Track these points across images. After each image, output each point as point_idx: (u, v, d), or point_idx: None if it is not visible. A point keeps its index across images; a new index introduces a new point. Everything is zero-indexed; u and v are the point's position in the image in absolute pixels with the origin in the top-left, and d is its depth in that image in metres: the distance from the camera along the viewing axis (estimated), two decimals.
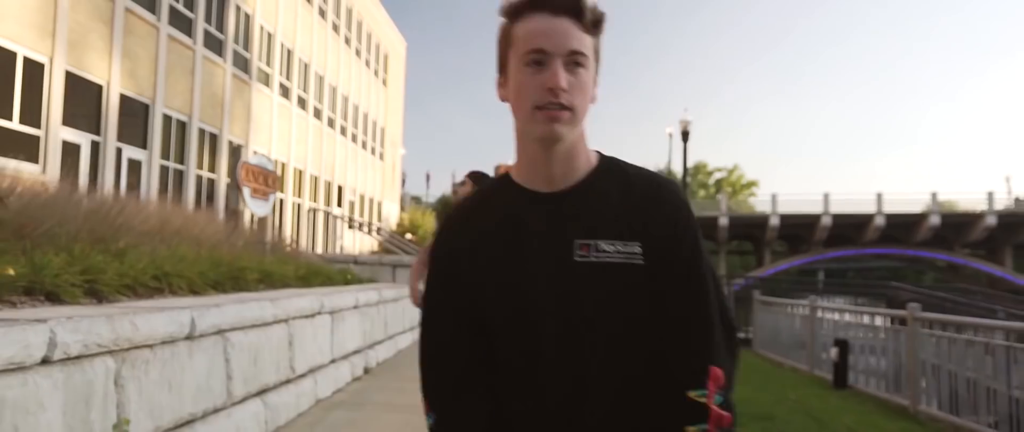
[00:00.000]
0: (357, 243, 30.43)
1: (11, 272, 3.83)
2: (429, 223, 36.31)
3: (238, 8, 20.68)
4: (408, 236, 32.02)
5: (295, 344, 5.56)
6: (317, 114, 27.41)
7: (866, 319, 9.41)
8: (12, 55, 12.13)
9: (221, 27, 19.73)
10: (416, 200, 57.23)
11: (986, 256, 51.91)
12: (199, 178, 18.70)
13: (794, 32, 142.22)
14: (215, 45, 19.41)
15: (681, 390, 1.15)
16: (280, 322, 5.28)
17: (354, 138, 32.19)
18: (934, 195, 48.91)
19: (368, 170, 34.09)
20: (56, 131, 13.14)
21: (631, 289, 1.17)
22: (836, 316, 10.14)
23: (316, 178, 27.36)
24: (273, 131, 23.16)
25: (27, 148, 12.39)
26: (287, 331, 5.43)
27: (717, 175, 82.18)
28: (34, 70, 12.64)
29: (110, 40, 14.74)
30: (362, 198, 33.05)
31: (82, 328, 3.01)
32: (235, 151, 20.57)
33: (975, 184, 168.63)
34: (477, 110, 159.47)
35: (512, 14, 1.20)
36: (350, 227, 30.48)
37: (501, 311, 1.21)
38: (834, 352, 8.87)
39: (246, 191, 14.37)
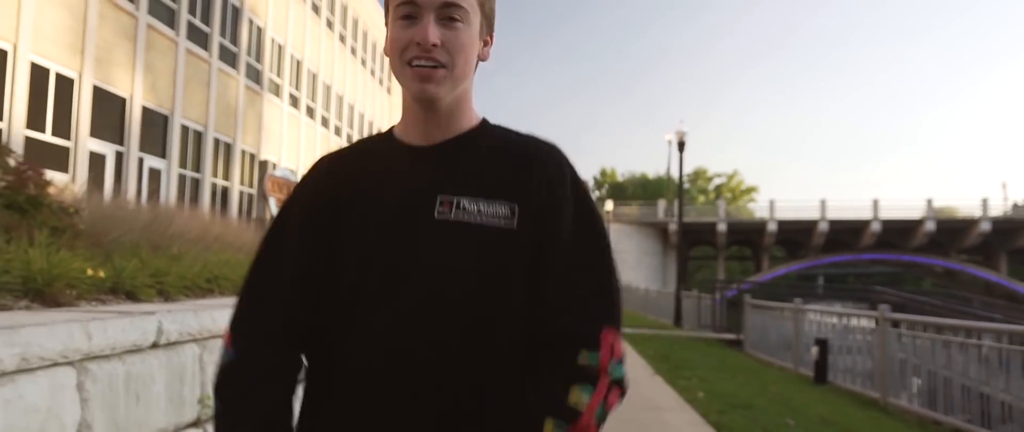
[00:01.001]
0: None
1: (101, 275, 4.56)
2: None
3: (251, 21, 21.46)
4: None
5: None
6: (324, 122, 28.19)
7: (845, 320, 10.15)
8: (45, 71, 12.88)
9: (235, 40, 20.50)
10: None
11: (982, 262, 52.63)
12: (214, 186, 19.45)
13: (794, 37, 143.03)
14: (230, 58, 20.18)
15: (570, 350, 1.08)
16: None
17: None
18: (929, 201, 49.64)
19: None
20: (84, 142, 13.89)
21: (491, 248, 1.09)
22: (818, 317, 10.88)
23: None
24: (283, 140, 23.93)
25: (58, 159, 13.12)
26: None
27: (717, 181, 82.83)
28: (65, 85, 13.40)
29: (133, 55, 15.50)
30: None
31: (178, 320, 3.74)
32: (248, 159, 21.33)
33: (976, 189, 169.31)
34: (479, 107, 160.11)
35: None
36: None
37: (350, 260, 1.13)
38: (814, 351, 9.60)
39: (272, 201, 15.22)
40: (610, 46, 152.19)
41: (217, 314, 4.22)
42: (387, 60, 1.18)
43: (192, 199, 18.04)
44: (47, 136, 12.97)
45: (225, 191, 20.12)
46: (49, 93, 12.99)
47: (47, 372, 2.75)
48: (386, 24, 1.16)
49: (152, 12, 16.13)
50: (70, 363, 2.91)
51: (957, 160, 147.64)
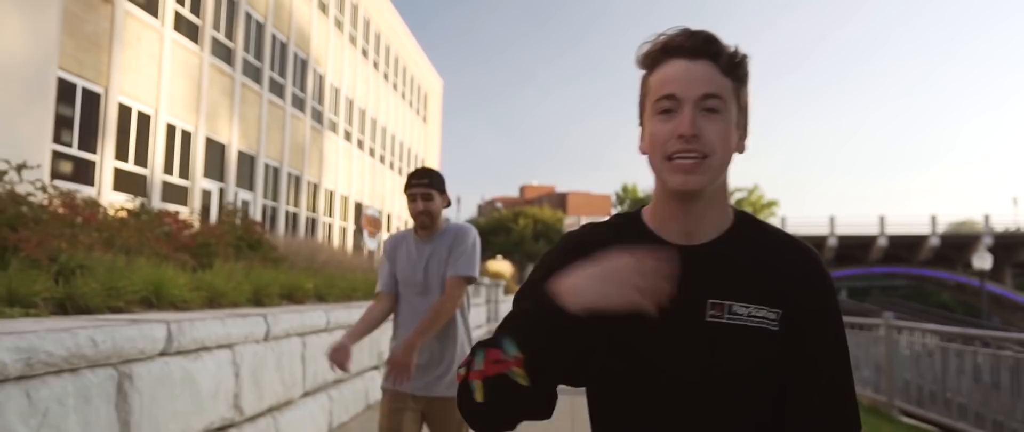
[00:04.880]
0: None
1: (310, 286, 7.91)
2: None
3: (314, 70, 25.05)
4: None
5: None
6: (371, 152, 31.72)
7: None
8: (174, 128, 16.43)
9: (303, 87, 24.08)
10: None
11: (989, 275, 54.81)
12: (287, 212, 22.96)
13: (819, 50, 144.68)
14: (299, 103, 23.76)
15: None
16: None
17: (400, 171, 36.48)
18: (933, 218, 52.16)
19: None
20: (198, 182, 17.42)
21: (761, 355, 1.10)
22: None
23: (370, 207, 31.63)
24: (338, 170, 27.46)
25: (181, 196, 16.64)
26: None
27: (738, 195, 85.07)
28: (186, 138, 16.95)
29: (231, 109, 19.07)
30: (406, 224, 37.25)
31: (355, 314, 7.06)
32: (312, 189, 24.87)
33: (1003, 203, 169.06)
34: (498, 128, 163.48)
35: (648, 64, 1.16)
36: None
37: (616, 362, 1.14)
38: None
39: (365, 233, 19.24)
40: (625, 62, 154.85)
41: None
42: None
43: (271, 224, 21.53)
44: (174, 178, 16.49)
45: (295, 216, 23.63)
46: (176, 145, 16.53)
47: (337, 332, 6.07)
48: (640, 122, 1.18)
49: (245, 72, 19.72)
50: (344, 328, 6.23)
51: (990, 174, 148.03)
